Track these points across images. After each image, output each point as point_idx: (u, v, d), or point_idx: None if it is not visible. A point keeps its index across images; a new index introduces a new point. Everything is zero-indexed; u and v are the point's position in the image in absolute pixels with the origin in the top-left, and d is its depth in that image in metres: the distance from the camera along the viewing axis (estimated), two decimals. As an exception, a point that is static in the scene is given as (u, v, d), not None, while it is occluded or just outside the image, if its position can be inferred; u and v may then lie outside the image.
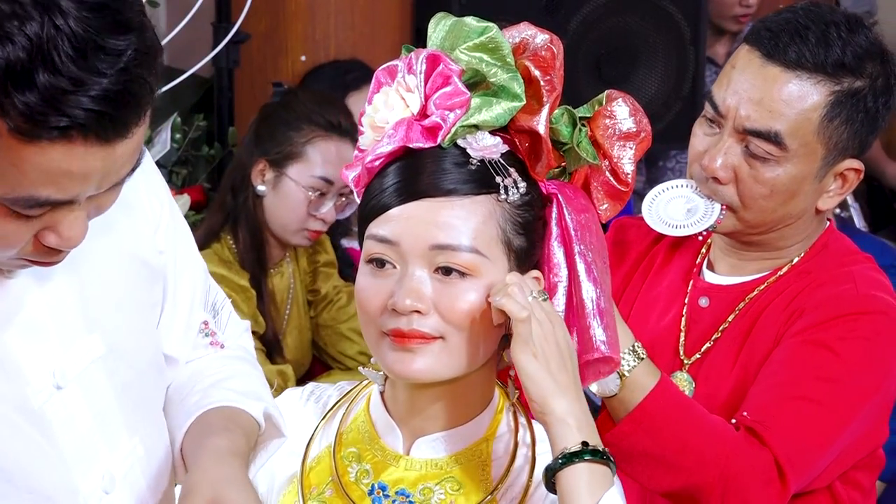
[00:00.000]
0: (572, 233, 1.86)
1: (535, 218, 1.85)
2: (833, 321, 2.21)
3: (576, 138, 1.85)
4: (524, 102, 1.82)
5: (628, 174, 1.88)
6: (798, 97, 2.21)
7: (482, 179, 1.81)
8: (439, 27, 1.89)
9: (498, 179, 1.81)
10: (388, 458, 1.89)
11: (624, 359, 2.08)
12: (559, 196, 1.87)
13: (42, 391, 1.72)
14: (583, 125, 1.87)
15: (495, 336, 1.84)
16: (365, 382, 1.98)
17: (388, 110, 1.85)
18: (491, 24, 1.84)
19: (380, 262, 1.81)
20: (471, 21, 1.85)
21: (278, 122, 3.72)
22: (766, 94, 2.21)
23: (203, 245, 3.63)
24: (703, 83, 4.77)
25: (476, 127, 1.82)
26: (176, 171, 4.19)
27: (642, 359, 2.11)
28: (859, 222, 4.21)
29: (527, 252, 1.84)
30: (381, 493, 1.87)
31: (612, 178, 1.89)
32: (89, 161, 1.52)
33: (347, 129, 3.67)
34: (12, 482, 1.70)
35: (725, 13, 5.12)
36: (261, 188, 3.66)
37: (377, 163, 1.85)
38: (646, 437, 2.11)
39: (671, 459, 2.13)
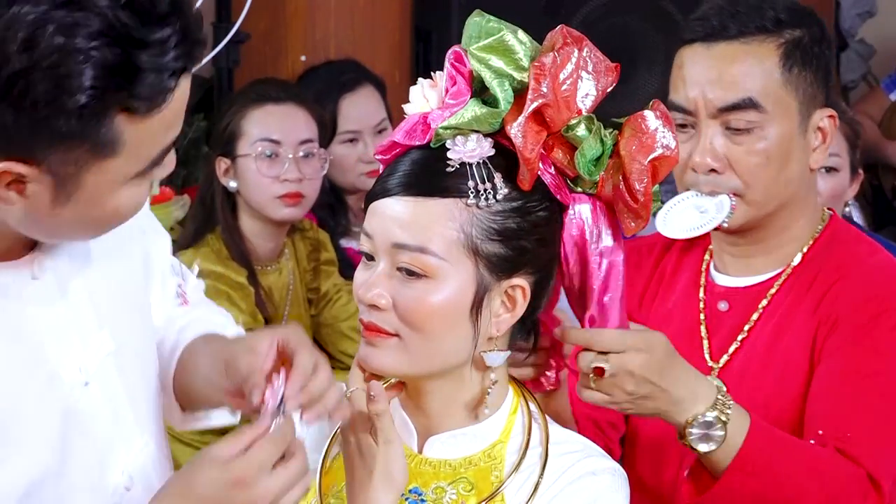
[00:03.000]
0: (589, 257, 1.88)
1: (524, 226, 1.83)
2: (873, 321, 2.22)
3: (580, 153, 1.84)
4: (499, 109, 1.81)
5: (638, 191, 1.85)
6: (754, 61, 2.26)
7: (454, 182, 1.81)
8: (470, 25, 1.88)
9: (471, 183, 1.81)
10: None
11: (716, 406, 2.06)
12: (578, 211, 1.87)
13: (75, 388, 1.74)
14: (609, 138, 1.86)
15: (461, 338, 1.83)
16: (393, 381, 1.99)
17: (412, 104, 1.87)
18: (505, 26, 1.84)
19: (367, 256, 1.85)
20: (488, 23, 1.85)
21: (219, 119, 3.75)
22: (724, 70, 2.26)
23: (191, 243, 3.65)
24: (703, 83, 4.77)
25: (476, 130, 1.83)
26: (176, 171, 4.19)
27: (731, 402, 2.08)
28: (859, 221, 4.21)
29: (505, 259, 1.82)
30: None
31: (627, 195, 1.86)
32: (187, 88, 1.62)
33: (280, 97, 3.71)
34: (55, 481, 1.71)
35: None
36: (232, 184, 3.68)
37: (388, 155, 1.86)
38: (752, 479, 2.08)
39: (778, 495, 2.11)
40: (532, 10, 4.02)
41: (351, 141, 4.09)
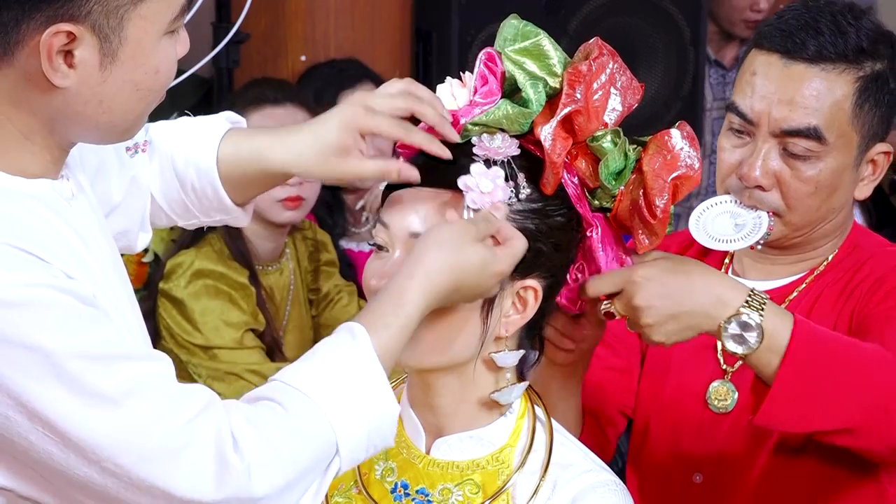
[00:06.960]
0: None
1: (542, 229, 1.84)
2: None
3: (604, 164, 1.85)
4: (531, 110, 1.82)
5: (658, 207, 1.86)
6: (828, 89, 2.21)
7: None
8: (505, 27, 1.89)
9: None
10: (412, 456, 1.90)
11: (751, 306, 2.01)
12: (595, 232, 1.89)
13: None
14: (632, 153, 1.87)
15: (470, 334, 1.84)
16: (399, 380, 1.99)
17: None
18: (541, 31, 1.85)
19: (377, 246, 1.85)
20: (525, 27, 1.86)
21: None
22: (796, 93, 2.21)
23: (192, 243, 3.64)
24: (703, 83, 4.77)
25: (502, 130, 1.83)
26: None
27: (766, 301, 2.03)
28: (859, 220, 4.21)
29: (521, 259, 1.82)
30: (402, 492, 1.89)
31: (645, 210, 1.87)
32: None
33: (278, 99, 3.70)
34: None
35: (736, 18, 5.11)
36: None
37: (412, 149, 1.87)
38: (808, 373, 2.01)
39: (837, 391, 2.03)
40: (532, 10, 4.02)
41: (349, 139, 4.09)
